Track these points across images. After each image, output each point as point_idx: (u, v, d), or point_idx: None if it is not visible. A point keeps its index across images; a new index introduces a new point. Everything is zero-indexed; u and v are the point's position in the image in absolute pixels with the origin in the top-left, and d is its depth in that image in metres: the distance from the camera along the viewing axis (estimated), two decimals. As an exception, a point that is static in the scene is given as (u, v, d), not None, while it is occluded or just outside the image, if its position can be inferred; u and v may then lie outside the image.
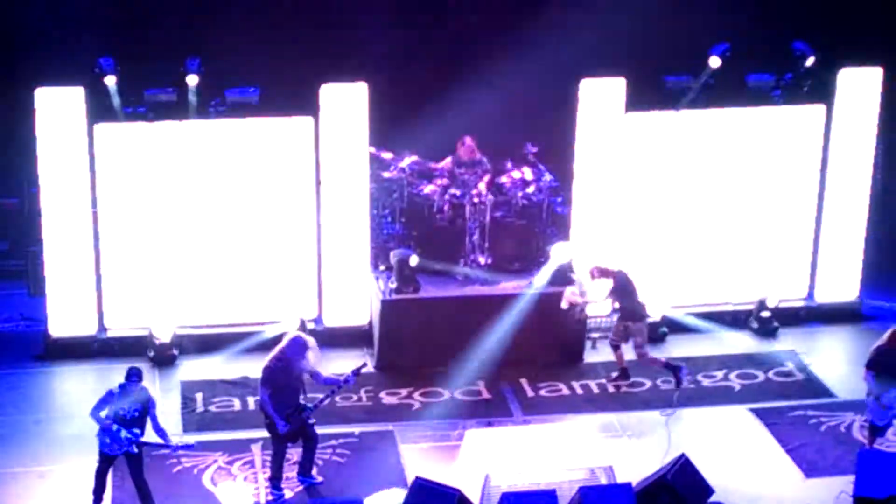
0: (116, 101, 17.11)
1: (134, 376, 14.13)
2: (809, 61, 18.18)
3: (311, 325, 17.78)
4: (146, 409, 14.13)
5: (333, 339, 17.84)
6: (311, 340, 14.97)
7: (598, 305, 17.52)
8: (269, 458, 15.06)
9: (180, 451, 14.64)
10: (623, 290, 17.07)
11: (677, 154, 18.44)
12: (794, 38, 18.36)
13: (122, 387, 14.13)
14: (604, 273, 17.15)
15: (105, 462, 14.21)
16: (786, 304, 18.85)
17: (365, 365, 15.31)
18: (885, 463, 14.45)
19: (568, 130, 18.13)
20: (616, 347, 17.31)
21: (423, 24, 18.85)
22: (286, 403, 14.63)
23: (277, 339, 15.52)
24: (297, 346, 14.75)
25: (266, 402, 14.65)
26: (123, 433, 14.02)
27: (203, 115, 17.45)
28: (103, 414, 14.06)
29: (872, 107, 18.57)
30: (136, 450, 14.10)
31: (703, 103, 18.21)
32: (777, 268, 18.99)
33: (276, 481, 14.83)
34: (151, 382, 17.17)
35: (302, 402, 14.75)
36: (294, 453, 15.09)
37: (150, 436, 14.17)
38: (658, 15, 18.70)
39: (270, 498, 14.77)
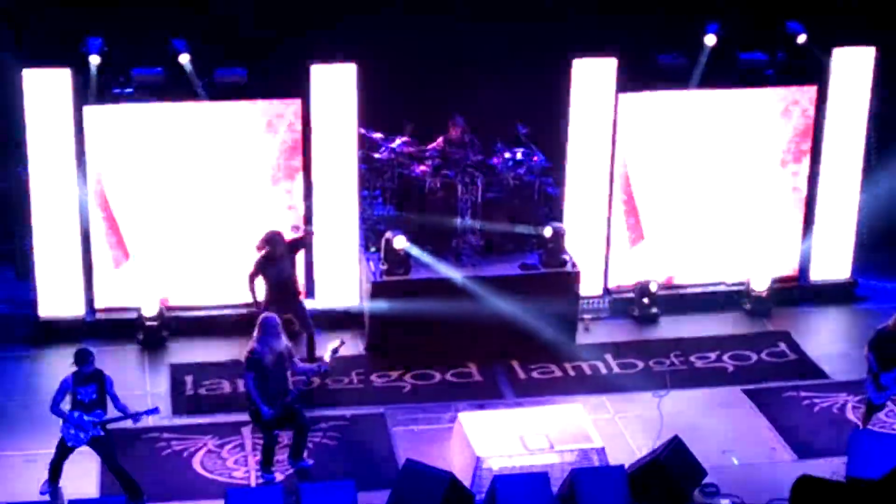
0: (95, 81, 16.99)
1: (84, 357, 13.96)
2: (801, 39, 18.11)
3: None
4: (103, 387, 14.02)
5: (324, 321, 17.78)
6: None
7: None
8: (259, 443, 14.97)
9: (146, 418, 14.49)
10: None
11: (669, 134, 18.36)
12: (787, 18, 18.29)
13: (74, 373, 14.00)
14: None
15: (64, 452, 14.11)
16: (779, 284, 18.79)
17: (343, 343, 15.18)
18: (878, 443, 14.46)
19: (559, 111, 18.05)
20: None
21: (412, 4, 18.73)
22: (271, 388, 14.53)
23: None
24: (270, 326, 14.63)
25: (250, 387, 14.56)
26: (87, 417, 13.92)
27: (191, 96, 17.36)
28: (64, 406, 13.95)
29: (865, 87, 18.49)
30: (102, 431, 13.99)
31: (696, 83, 18.13)
32: (770, 248, 18.93)
33: (266, 465, 14.75)
34: (141, 365, 17.15)
35: (289, 387, 14.68)
36: (285, 437, 15.01)
37: (112, 413, 14.08)
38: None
39: (261, 481, 14.70)
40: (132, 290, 17.72)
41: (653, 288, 18.41)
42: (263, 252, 16.75)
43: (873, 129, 18.91)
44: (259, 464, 14.85)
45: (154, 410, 14.45)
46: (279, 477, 14.79)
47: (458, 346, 17.27)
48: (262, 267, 16.76)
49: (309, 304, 17.43)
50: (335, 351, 14.93)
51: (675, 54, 18.22)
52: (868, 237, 19.42)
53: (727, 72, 18.24)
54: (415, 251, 17.46)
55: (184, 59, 17.14)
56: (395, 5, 18.66)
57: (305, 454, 15.05)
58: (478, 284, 17.32)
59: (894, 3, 18.82)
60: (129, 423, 14.42)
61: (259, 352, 14.53)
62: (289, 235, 17.08)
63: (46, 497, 14.19)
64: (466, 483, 14.19)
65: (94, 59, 16.97)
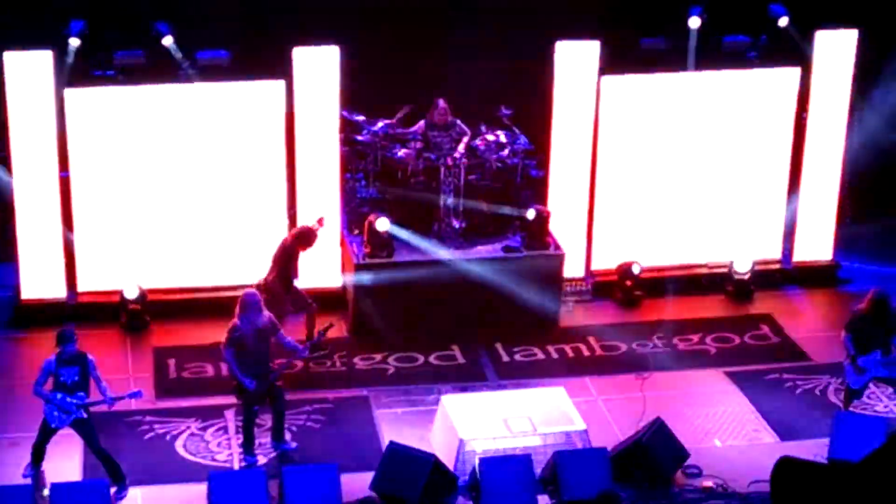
0: (73, 63, 16.92)
1: (67, 339, 13.91)
2: (783, 21, 18.11)
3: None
4: (85, 369, 13.97)
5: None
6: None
7: None
8: (241, 425, 14.96)
9: (130, 401, 14.46)
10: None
11: (652, 117, 18.36)
12: (770, 0, 18.30)
13: (57, 355, 13.95)
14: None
15: (47, 434, 14.08)
16: (761, 266, 18.82)
17: (331, 325, 15.21)
18: (861, 426, 14.51)
19: (542, 93, 18.04)
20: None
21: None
22: (252, 364, 14.49)
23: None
24: (250, 302, 14.58)
25: (230, 361, 14.52)
26: (69, 399, 13.90)
27: (174, 78, 17.32)
28: (47, 388, 13.91)
29: (847, 69, 18.52)
30: (85, 413, 13.96)
31: (679, 65, 18.14)
32: (753, 230, 18.95)
33: (248, 447, 14.74)
34: (123, 348, 17.12)
35: (271, 366, 14.66)
36: (267, 419, 15.01)
37: (95, 396, 14.04)
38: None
39: (244, 464, 14.69)
40: (115, 272, 17.67)
41: (635, 270, 18.42)
42: (299, 248, 16.66)
43: (856, 111, 18.99)
44: (241, 446, 14.83)
45: (137, 394, 14.44)
46: (262, 460, 14.78)
47: (442, 329, 17.27)
48: (291, 263, 16.69)
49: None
50: (322, 333, 14.94)
51: (658, 37, 18.22)
52: (851, 219, 19.50)
53: (710, 54, 18.23)
54: (398, 232, 17.43)
55: (167, 41, 17.10)
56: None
57: (289, 437, 15.04)
58: (461, 266, 17.33)
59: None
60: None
61: (240, 328, 14.51)
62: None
63: (29, 480, 14.16)
64: (450, 465, 14.21)
65: (74, 42, 16.93)
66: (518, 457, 14.09)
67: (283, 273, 16.57)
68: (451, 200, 17.87)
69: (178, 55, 17.13)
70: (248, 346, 14.48)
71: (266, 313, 14.69)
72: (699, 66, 18.15)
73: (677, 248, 18.89)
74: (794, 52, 18.39)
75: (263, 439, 14.97)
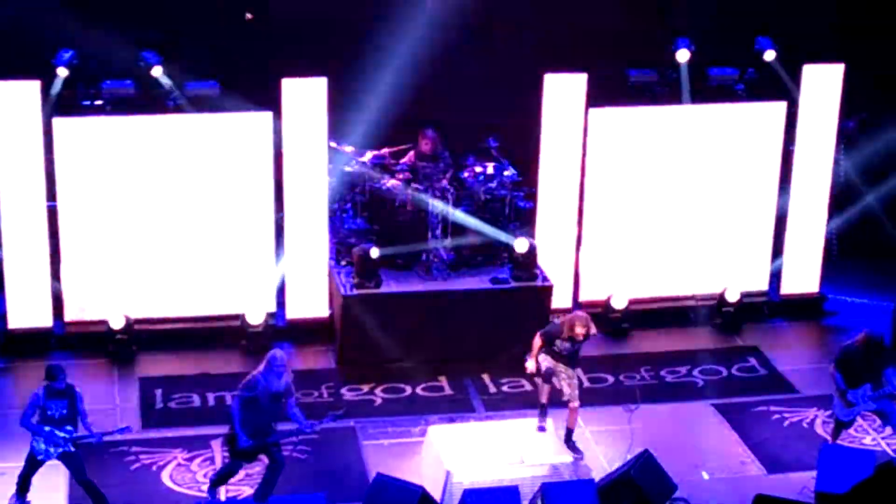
0: (60, 93, 16.94)
1: (56, 373, 13.83)
2: (769, 56, 18.21)
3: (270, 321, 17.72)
4: (74, 403, 13.90)
5: (295, 334, 17.80)
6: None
7: None
8: (222, 462, 14.79)
9: (118, 437, 14.37)
10: None
11: (640, 149, 18.41)
12: (757, 34, 18.39)
13: (45, 388, 13.86)
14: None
15: (33, 466, 13.98)
16: (748, 299, 18.85)
17: (343, 412, 14.94)
18: (848, 458, 14.48)
19: (531, 125, 18.09)
20: None
21: (383, 18, 18.75)
22: (259, 421, 14.08)
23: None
24: (273, 364, 14.05)
25: (234, 412, 14.06)
26: (58, 433, 13.84)
27: (162, 108, 17.34)
28: (34, 420, 13.83)
29: (833, 103, 18.60)
30: (73, 448, 13.90)
31: (666, 98, 18.22)
32: (740, 263, 18.99)
33: (215, 485, 14.42)
34: (110, 378, 17.07)
35: (276, 428, 14.22)
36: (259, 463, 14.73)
37: (83, 430, 13.96)
38: (620, 9, 18.70)
39: (207, 496, 14.44)
40: (101, 302, 17.64)
41: (622, 302, 18.41)
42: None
43: (841, 145, 19.09)
44: (209, 480, 14.54)
45: (126, 429, 14.35)
46: (247, 490, 14.66)
47: (429, 360, 17.26)
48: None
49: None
50: (334, 417, 14.50)
51: (645, 70, 18.30)
52: (836, 253, 19.58)
53: (697, 87, 18.31)
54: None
55: (157, 71, 17.13)
56: (367, 19, 18.68)
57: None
58: (448, 298, 17.34)
59: (863, 19, 18.96)
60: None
61: (255, 384, 14.03)
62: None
63: (15, 511, 14.12)
64: (437, 497, 14.16)
65: (62, 72, 16.96)
66: (505, 488, 14.03)
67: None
68: (438, 231, 17.88)
69: (168, 85, 17.16)
70: (259, 403, 14.07)
71: (286, 377, 14.15)
72: (687, 98, 18.23)
73: (665, 280, 18.91)
74: (780, 85, 18.47)
75: (252, 470, 14.86)
